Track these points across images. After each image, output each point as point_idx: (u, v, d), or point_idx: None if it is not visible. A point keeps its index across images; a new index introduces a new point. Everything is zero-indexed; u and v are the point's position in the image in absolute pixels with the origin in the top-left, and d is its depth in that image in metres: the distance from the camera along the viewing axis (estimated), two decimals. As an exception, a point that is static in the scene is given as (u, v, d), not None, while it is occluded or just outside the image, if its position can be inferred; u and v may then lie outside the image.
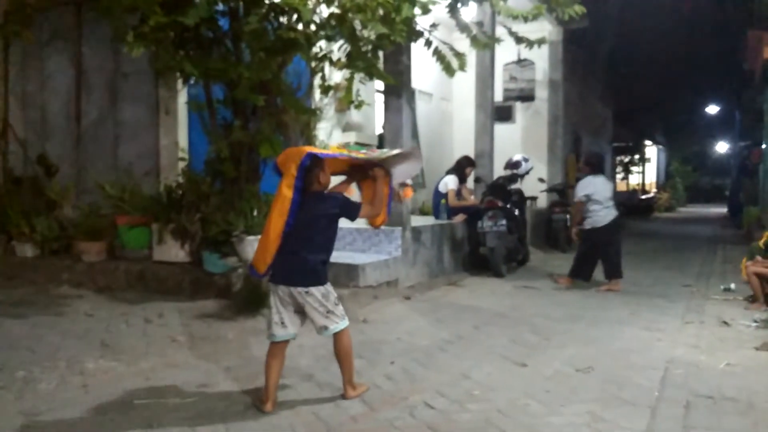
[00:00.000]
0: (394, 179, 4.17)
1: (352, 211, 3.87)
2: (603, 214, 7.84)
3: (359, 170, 4.08)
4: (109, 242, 6.97)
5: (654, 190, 33.66)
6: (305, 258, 3.67)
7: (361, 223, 8.02)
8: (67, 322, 5.45)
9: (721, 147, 40.64)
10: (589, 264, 8.02)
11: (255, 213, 6.07)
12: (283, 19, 6.04)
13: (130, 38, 5.34)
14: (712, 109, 31.94)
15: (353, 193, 4.12)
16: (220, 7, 6.02)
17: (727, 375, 4.35)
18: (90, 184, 7.48)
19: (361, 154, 4.08)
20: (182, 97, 7.21)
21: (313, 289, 3.67)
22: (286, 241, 3.67)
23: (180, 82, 6.69)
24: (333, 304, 3.74)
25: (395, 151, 4.16)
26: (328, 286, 3.75)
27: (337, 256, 6.92)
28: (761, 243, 7.19)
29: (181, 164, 6.85)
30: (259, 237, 5.79)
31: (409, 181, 4.29)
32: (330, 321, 3.72)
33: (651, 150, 36.19)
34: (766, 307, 6.44)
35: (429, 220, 8.95)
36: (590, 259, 8.03)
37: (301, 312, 3.74)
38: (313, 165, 3.66)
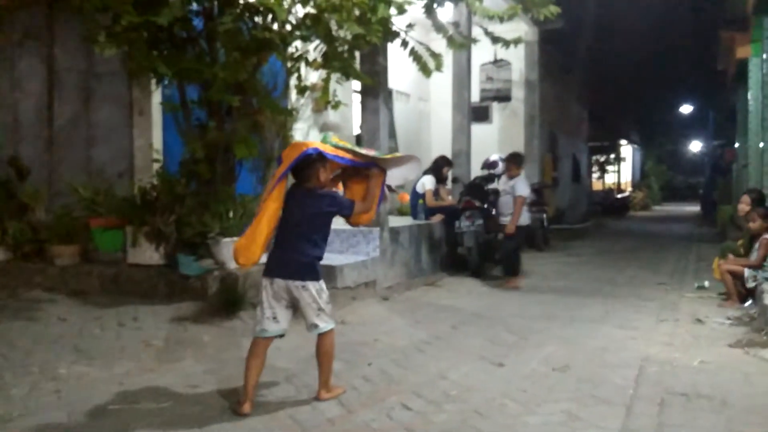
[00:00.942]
0: (389, 180, 4.20)
1: (346, 208, 3.90)
2: (527, 214, 8.40)
3: (353, 170, 4.09)
4: (82, 245, 6.86)
5: (629, 189, 34.03)
6: (302, 253, 3.72)
7: (339, 223, 7.99)
8: (40, 326, 5.36)
9: (695, 146, 41.21)
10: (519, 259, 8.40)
11: (231, 214, 6.02)
12: (258, 19, 6.01)
13: (101, 38, 5.27)
14: (686, 109, 32.41)
15: (340, 189, 4.17)
16: (194, 6, 5.97)
17: (701, 372, 4.40)
18: (63, 186, 7.36)
19: (362, 152, 4.09)
20: (156, 98, 7.12)
21: (310, 284, 3.71)
22: (282, 235, 3.73)
23: (154, 82, 6.61)
24: (325, 302, 3.79)
25: (397, 154, 4.21)
26: (322, 284, 3.80)
27: (315, 258, 6.89)
28: (739, 244, 7.29)
29: (156, 165, 6.75)
30: (234, 238, 5.78)
31: (394, 186, 4.32)
32: (320, 320, 3.75)
33: (626, 149, 36.61)
34: (739, 305, 6.53)
35: (407, 221, 8.95)
36: (519, 255, 8.42)
37: (292, 308, 3.76)
38: (316, 160, 3.70)
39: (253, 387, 3.65)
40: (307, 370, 4.30)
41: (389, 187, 4.50)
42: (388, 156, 4.14)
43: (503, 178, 8.49)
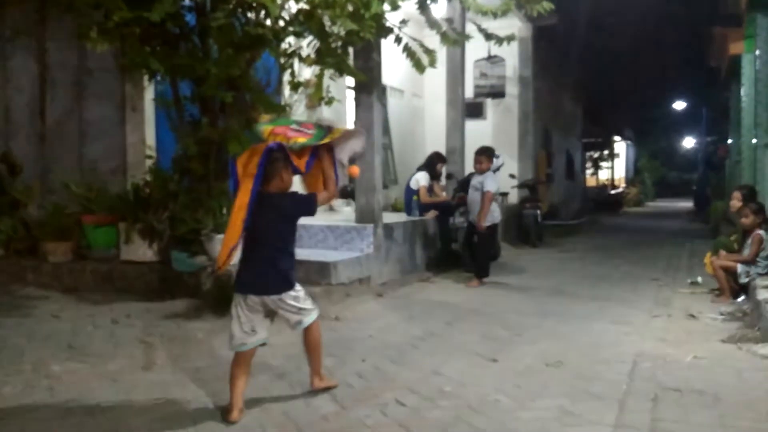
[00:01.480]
0: (338, 155, 3.90)
1: (309, 206, 3.68)
2: (498, 211, 8.08)
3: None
4: (75, 242, 6.85)
5: (623, 185, 34.14)
6: (274, 266, 3.58)
7: (332, 220, 7.99)
8: (33, 323, 5.35)
9: (689, 142, 41.37)
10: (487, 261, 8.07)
11: (224, 211, 6.00)
12: (251, 15, 5.99)
13: (93, 34, 5.25)
14: (680, 105, 32.49)
15: None
16: (187, 2, 5.94)
17: (695, 368, 4.41)
18: (55, 182, 7.35)
19: (301, 137, 3.73)
20: (149, 94, 7.10)
21: (285, 295, 3.60)
22: (250, 248, 3.59)
23: (146, 78, 6.58)
24: (303, 300, 3.69)
25: (339, 129, 3.91)
26: (297, 287, 3.68)
27: (309, 254, 6.89)
28: (732, 239, 7.30)
29: (149, 162, 6.74)
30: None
31: (346, 161, 4.10)
32: (302, 316, 3.67)
33: (620, 145, 36.69)
34: (732, 300, 6.55)
35: (401, 217, 8.95)
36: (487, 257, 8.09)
37: (270, 316, 3.67)
38: (277, 158, 3.52)
39: (239, 395, 3.54)
40: (300, 366, 4.28)
41: (350, 161, 4.27)
42: (334, 133, 3.80)
43: (475, 174, 8.05)
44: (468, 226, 8.18)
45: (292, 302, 3.62)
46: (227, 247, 3.49)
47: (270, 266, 3.58)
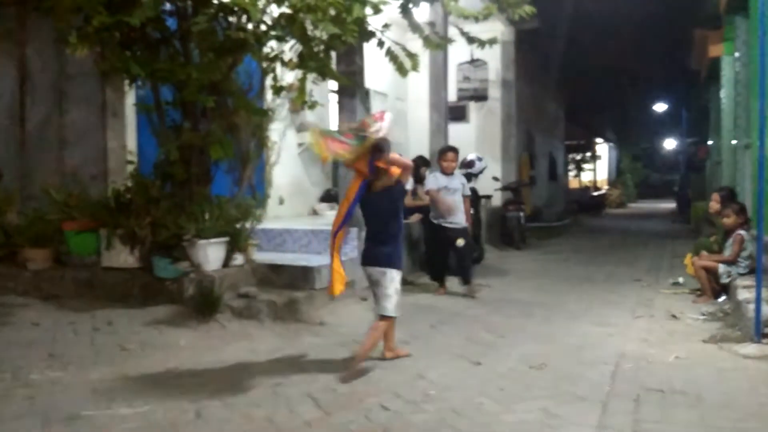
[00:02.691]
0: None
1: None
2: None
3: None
4: (55, 249, 6.76)
5: (605, 186, 34.36)
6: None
7: (316, 224, 7.97)
8: (12, 331, 5.28)
9: (670, 144, 41.70)
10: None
11: (206, 216, 5.96)
12: (233, 19, 5.96)
13: (73, 39, 5.20)
14: (661, 107, 32.74)
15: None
16: (168, 6, 5.91)
17: (676, 368, 4.44)
18: (35, 189, 7.26)
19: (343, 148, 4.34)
20: (130, 99, 7.05)
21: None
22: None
23: (127, 83, 6.53)
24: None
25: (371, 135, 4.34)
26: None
27: (293, 259, 6.87)
28: (712, 240, 7.37)
29: (130, 167, 6.68)
30: (210, 240, 5.76)
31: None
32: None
33: (602, 147, 36.99)
34: (713, 301, 6.61)
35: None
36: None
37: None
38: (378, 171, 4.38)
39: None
40: (284, 371, 4.28)
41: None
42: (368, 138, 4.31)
43: (444, 174, 7.54)
44: (441, 230, 7.46)
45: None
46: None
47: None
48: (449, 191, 7.46)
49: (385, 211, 4.52)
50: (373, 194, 4.48)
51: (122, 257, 6.26)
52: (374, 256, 4.53)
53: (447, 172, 7.52)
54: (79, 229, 6.51)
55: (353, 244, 7.20)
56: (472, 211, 8.14)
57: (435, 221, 7.51)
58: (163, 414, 3.63)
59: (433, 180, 7.55)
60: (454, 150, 7.70)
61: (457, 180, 7.59)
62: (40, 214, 6.81)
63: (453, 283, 7.49)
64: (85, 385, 4.12)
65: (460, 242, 7.39)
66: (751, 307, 5.05)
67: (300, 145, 10.07)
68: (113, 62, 5.72)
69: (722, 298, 6.58)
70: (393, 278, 4.50)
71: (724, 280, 6.62)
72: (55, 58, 7.50)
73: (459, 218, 7.43)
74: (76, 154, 7.46)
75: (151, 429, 3.43)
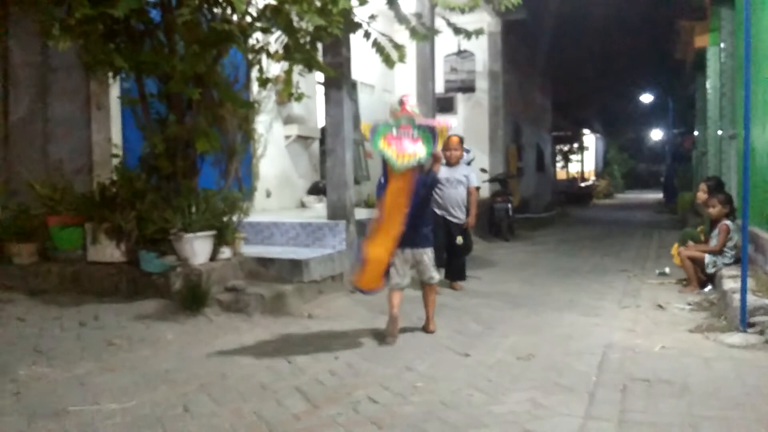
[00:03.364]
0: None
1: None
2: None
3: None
4: (40, 243, 6.70)
5: (593, 177, 34.53)
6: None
7: (304, 217, 7.95)
8: (-3, 327, 5.24)
9: (656, 134, 41.91)
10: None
11: (193, 209, 5.92)
12: (218, 11, 5.91)
13: (56, 31, 5.14)
14: (647, 98, 32.89)
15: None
16: (151, -3, 5.85)
17: (663, 358, 4.47)
18: (19, 183, 7.19)
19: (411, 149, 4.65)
20: (115, 92, 6.98)
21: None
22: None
23: (111, 76, 6.46)
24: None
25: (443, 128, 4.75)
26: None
27: (281, 252, 6.85)
28: (699, 230, 7.42)
29: (115, 161, 6.62)
30: (198, 234, 5.73)
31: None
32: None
33: (589, 138, 37.14)
34: (699, 290, 6.66)
35: (373, 213, 8.91)
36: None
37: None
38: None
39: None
40: (272, 365, 4.27)
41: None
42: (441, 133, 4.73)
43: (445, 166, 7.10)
44: (443, 223, 7.15)
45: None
46: None
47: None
48: (452, 183, 7.15)
49: (424, 197, 5.06)
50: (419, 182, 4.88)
51: (108, 252, 6.22)
52: (414, 239, 5.02)
53: (450, 163, 7.14)
54: (64, 224, 6.45)
55: (341, 237, 7.20)
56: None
57: (438, 212, 6.99)
58: (151, 409, 3.61)
59: None
60: (459, 137, 7.29)
61: (460, 171, 7.23)
62: (25, 208, 6.75)
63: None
64: (72, 380, 4.09)
65: (460, 240, 7.21)
66: (737, 296, 5.09)
67: (287, 137, 10.03)
68: (97, 55, 5.65)
69: (708, 288, 6.63)
70: (431, 255, 5.19)
71: (710, 270, 6.67)
72: (38, 51, 7.41)
73: (459, 214, 7.20)
74: (60, 148, 7.39)
75: (138, 424, 3.41)
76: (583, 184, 29.70)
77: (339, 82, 7.16)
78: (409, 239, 4.95)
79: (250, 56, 6.39)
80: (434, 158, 4.93)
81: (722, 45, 10.35)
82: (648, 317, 5.73)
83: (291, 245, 7.40)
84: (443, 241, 7.08)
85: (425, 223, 5.11)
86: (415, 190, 4.79)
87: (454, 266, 7.38)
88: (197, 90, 5.76)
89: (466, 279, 7.48)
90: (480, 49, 12.94)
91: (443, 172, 6.98)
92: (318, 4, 5.73)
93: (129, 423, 3.42)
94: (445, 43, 11.16)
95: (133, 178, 6.16)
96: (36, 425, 3.41)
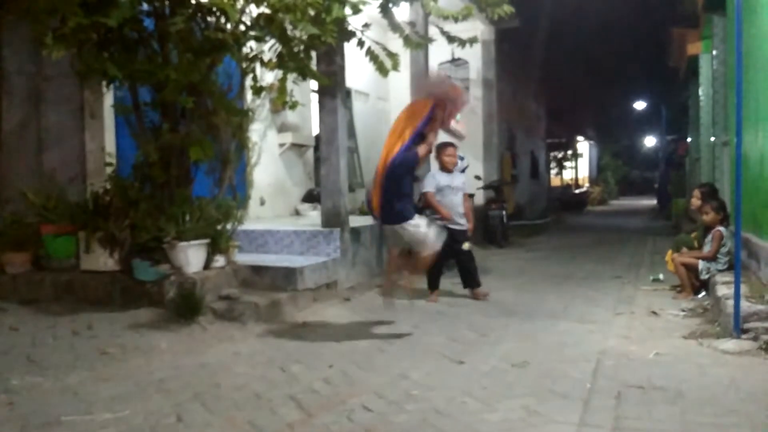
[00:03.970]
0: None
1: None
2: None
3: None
4: (34, 252, 6.68)
5: (587, 184, 34.62)
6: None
7: (298, 225, 7.94)
8: (-10, 337, 5.21)
9: (650, 141, 42.09)
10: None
11: (187, 218, 5.92)
12: (211, 20, 5.92)
13: (49, 40, 5.13)
14: (640, 105, 33.03)
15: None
16: (145, 6, 5.85)
17: (657, 364, 4.47)
18: (13, 192, 7.17)
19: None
20: (108, 100, 6.98)
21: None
22: None
23: (105, 84, 6.46)
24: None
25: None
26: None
27: (275, 260, 6.84)
28: (693, 236, 7.44)
29: (108, 169, 6.61)
30: (191, 243, 5.72)
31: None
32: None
33: (583, 145, 37.23)
34: (692, 297, 6.68)
35: (368, 220, 8.91)
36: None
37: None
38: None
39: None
40: (265, 375, 4.25)
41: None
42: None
43: (442, 173, 7.14)
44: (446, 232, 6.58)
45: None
46: None
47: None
48: (453, 190, 7.04)
49: (399, 171, 5.27)
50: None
51: (102, 260, 6.20)
52: (389, 215, 5.32)
53: (449, 169, 7.10)
54: (57, 233, 6.43)
55: (335, 244, 7.19)
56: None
57: (439, 222, 6.60)
58: (144, 418, 3.60)
59: (432, 180, 7.06)
60: (454, 145, 7.20)
61: (459, 178, 7.21)
62: (18, 217, 6.73)
63: (444, 284, 7.41)
64: (65, 389, 4.07)
65: (467, 246, 7.06)
66: (730, 303, 5.09)
67: (281, 145, 10.03)
68: (90, 63, 5.64)
69: (702, 295, 6.64)
70: (414, 225, 5.34)
71: (704, 276, 6.68)
72: (32, 59, 7.41)
73: (461, 220, 7.06)
74: (54, 157, 7.38)
75: (131, 434, 3.39)
76: (577, 191, 29.77)
77: (333, 90, 7.18)
78: (386, 215, 5.33)
79: (244, 65, 6.40)
80: (427, 153, 5.49)
81: (714, 52, 10.41)
82: (642, 324, 5.74)
83: (285, 253, 7.39)
84: (448, 249, 6.57)
85: (399, 200, 5.30)
86: (392, 161, 5.19)
87: (467, 274, 7.18)
88: (191, 99, 5.77)
89: (479, 285, 7.21)
90: (474, 57, 12.98)
91: (444, 179, 7.05)
92: (312, 12, 5.74)
93: (122, 433, 3.41)
94: (439, 51, 11.18)
95: (127, 186, 6.16)
96: (29, 436, 3.40)
